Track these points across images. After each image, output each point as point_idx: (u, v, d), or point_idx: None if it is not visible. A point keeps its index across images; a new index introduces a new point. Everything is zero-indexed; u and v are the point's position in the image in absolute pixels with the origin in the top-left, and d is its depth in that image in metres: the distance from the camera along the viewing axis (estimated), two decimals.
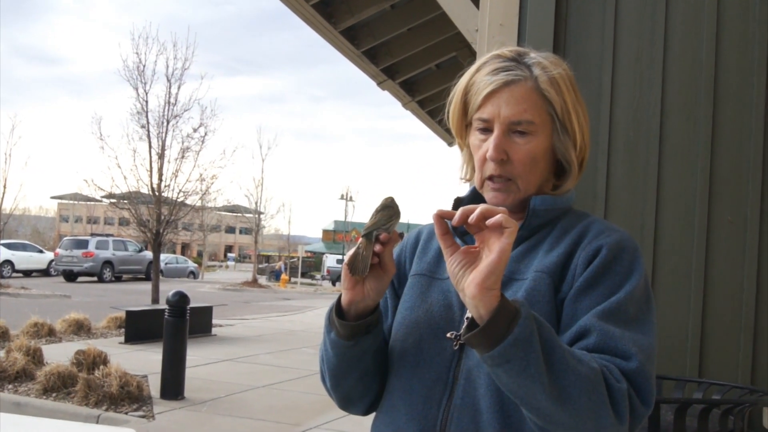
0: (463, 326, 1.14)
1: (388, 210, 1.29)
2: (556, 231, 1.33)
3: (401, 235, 1.34)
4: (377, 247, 1.26)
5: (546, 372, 1.07)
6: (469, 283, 1.09)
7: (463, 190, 1.48)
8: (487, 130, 1.32)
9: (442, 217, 1.16)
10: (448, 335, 1.28)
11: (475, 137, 1.34)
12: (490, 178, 1.32)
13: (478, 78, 1.33)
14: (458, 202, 1.42)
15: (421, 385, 1.30)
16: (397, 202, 1.31)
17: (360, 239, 1.27)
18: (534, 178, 1.33)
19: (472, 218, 1.11)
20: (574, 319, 1.22)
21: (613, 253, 1.25)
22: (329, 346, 1.34)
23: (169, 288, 10.42)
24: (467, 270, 1.12)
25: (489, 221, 1.09)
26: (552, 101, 1.30)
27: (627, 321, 1.19)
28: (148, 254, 28.82)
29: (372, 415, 1.44)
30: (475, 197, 1.41)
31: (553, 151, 1.34)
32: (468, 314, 1.17)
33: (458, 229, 1.24)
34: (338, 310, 1.31)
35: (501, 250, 1.08)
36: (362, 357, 1.33)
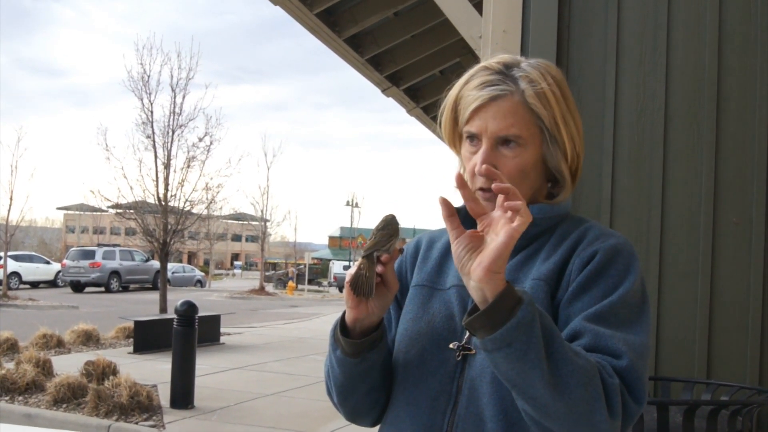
0: (466, 313, 1.14)
1: (388, 228, 1.30)
2: (553, 238, 1.33)
3: (401, 250, 1.36)
4: (379, 268, 1.27)
5: (545, 359, 1.08)
6: (476, 266, 1.10)
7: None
8: (476, 140, 1.33)
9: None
10: (451, 346, 1.29)
11: (465, 149, 1.36)
12: (481, 189, 1.33)
13: (466, 92, 1.33)
14: None
15: (425, 396, 1.30)
16: (398, 219, 1.32)
17: (361, 259, 1.28)
18: (524, 189, 1.32)
19: (495, 186, 1.11)
20: (568, 322, 1.23)
21: (607, 258, 1.25)
22: (335, 363, 1.35)
23: (176, 297, 10.46)
24: (473, 254, 1.12)
25: (508, 203, 1.09)
26: (540, 115, 1.29)
27: (618, 323, 1.20)
28: (155, 264, 28.87)
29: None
30: None
31: (544, 161, 1.34)
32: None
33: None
34: (342, 327, 1.32)
35: (509, 233, 1.08)
36: (369, 372, 1.34)
